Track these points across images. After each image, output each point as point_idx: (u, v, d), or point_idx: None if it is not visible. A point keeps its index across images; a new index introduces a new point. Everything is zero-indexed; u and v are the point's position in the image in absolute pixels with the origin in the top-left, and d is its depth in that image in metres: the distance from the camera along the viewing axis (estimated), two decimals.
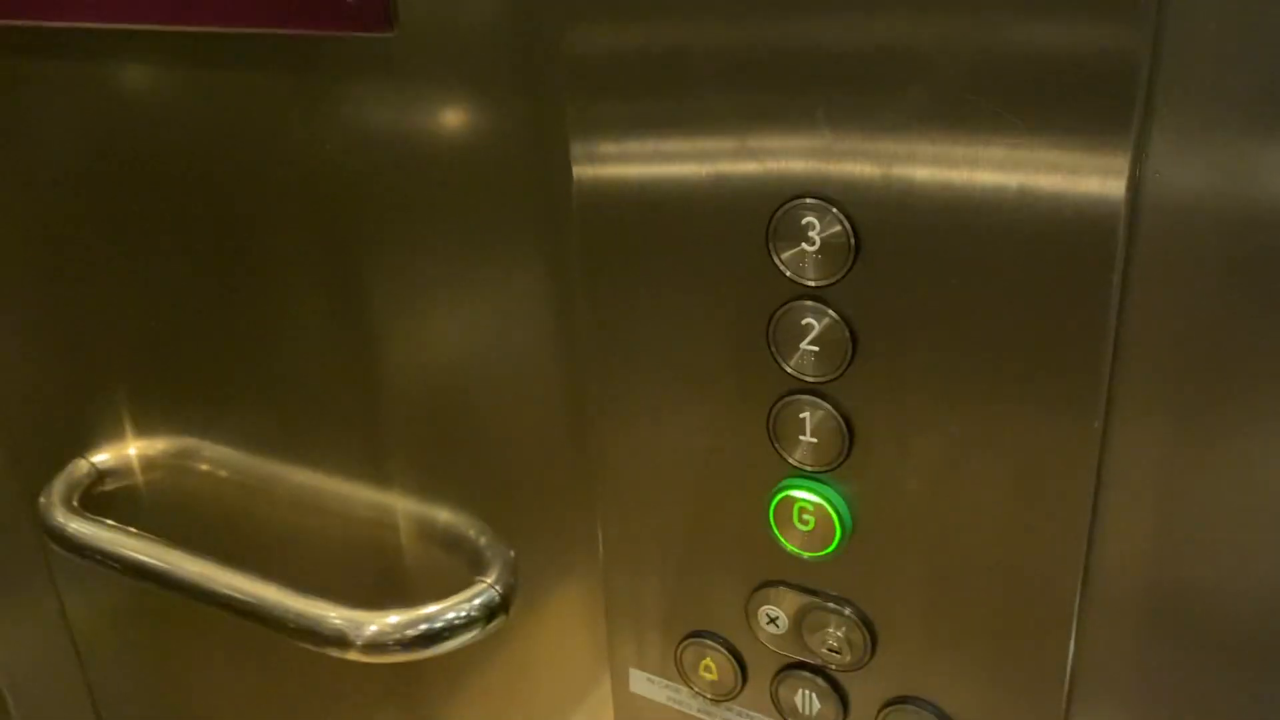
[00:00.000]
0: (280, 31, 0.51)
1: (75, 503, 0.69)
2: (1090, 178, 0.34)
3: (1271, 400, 0.35)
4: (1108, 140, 0.34)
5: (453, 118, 0.50)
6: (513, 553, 0.58)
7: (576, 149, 0.43)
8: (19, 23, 0.59)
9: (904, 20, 0.35)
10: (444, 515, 0.62)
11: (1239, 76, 0.32)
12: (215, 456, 0.70)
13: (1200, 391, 0.36)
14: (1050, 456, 0.38)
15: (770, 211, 0.40)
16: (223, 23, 0.52)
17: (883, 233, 0.38)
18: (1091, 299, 0.36)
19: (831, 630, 0.45)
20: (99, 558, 0.65)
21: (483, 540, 0.60)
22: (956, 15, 0.34)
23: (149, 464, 0.73)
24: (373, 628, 0.58)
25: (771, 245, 0.40)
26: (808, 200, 0.39)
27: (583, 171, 0.44)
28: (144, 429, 0.72)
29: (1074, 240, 0.35)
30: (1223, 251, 0.34)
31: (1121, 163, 0.34)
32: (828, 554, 0.44)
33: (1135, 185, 0.34)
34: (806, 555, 0.44)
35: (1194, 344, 0.36)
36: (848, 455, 0.42)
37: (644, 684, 0.53)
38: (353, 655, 0.58)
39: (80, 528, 0.66)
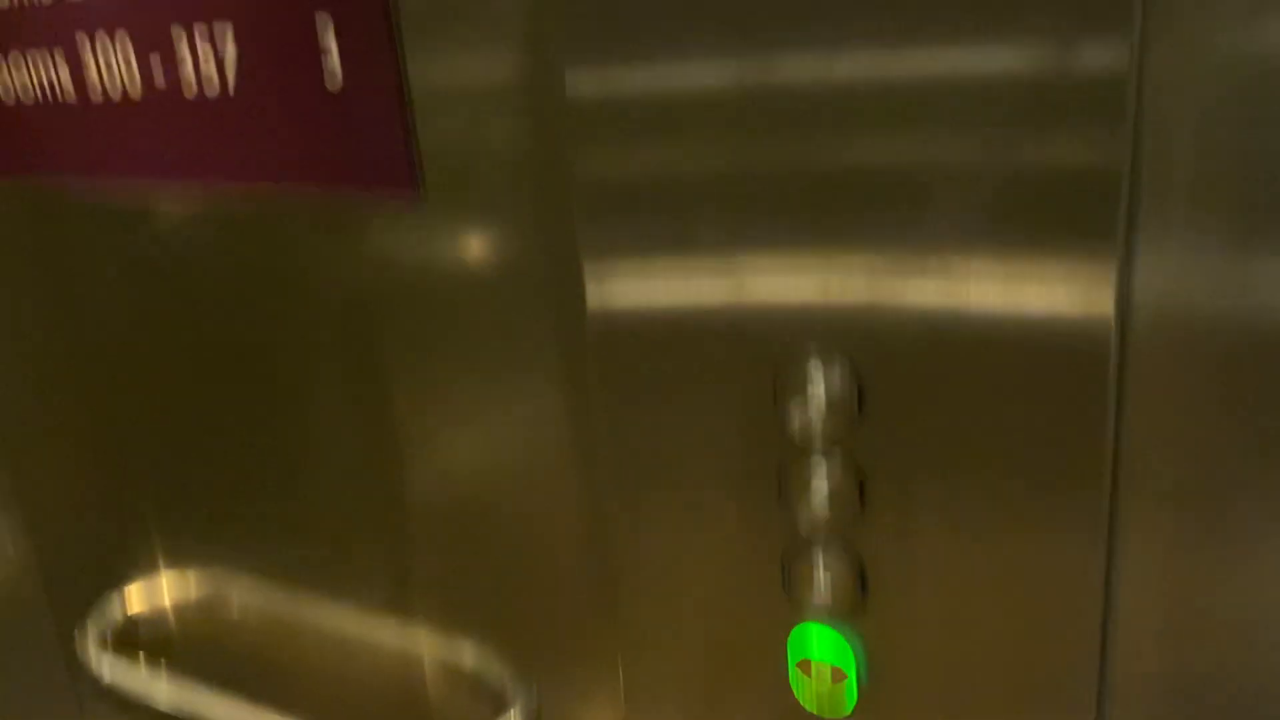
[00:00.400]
0: (314, 191, 0.54)
1: (108, 640, 0.70)
2: (1079, 297, 0.35)
3: (1273, 508, 0.36)
4: (1093, 258, 0.35)
5: (474, 251, 0.52)
6: (536, 690, 0.59)
7: (590, 285, 0.45)
8: (71, 175, 0.62)
9: (892, 151, 0.37)
10: (469, 652, 0.62)
11: (1218, 188, 0.34)
12: (245, 592, 0.71)
13: (1202, 504, 0.37)
14: (1059, 585, 0.39)
15: (773, 360, 0.41)
16: (260, 180, 0.55)
17: (885, 378, 0.40)
18: (1090, 419, 0.37)
19: None
20: (131, 701, 0.66)
21: (506, 677, 0.60)
22: (941, 142, 0.36)
23: (180, 600, 0.74)
24: None
25: (778, 399, 0.42)
26: (811, 355, 0.40)
27: (596, 305, 0.45)
28: (175, 562, 0.73)
29: (1069, 361, 0.36)
30: (1215, 362, 0.35)
31: (1108, 281, 0.35)
32: (844, 709, 0.44)
33: (1124, 302, 0.35)
34: (823, 709, 0.45)
35: (1192, 455, 0.36)
36: (861, 602, 0.43)
37: None
38: None
39: (112, 670, 0.67)
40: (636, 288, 0.44)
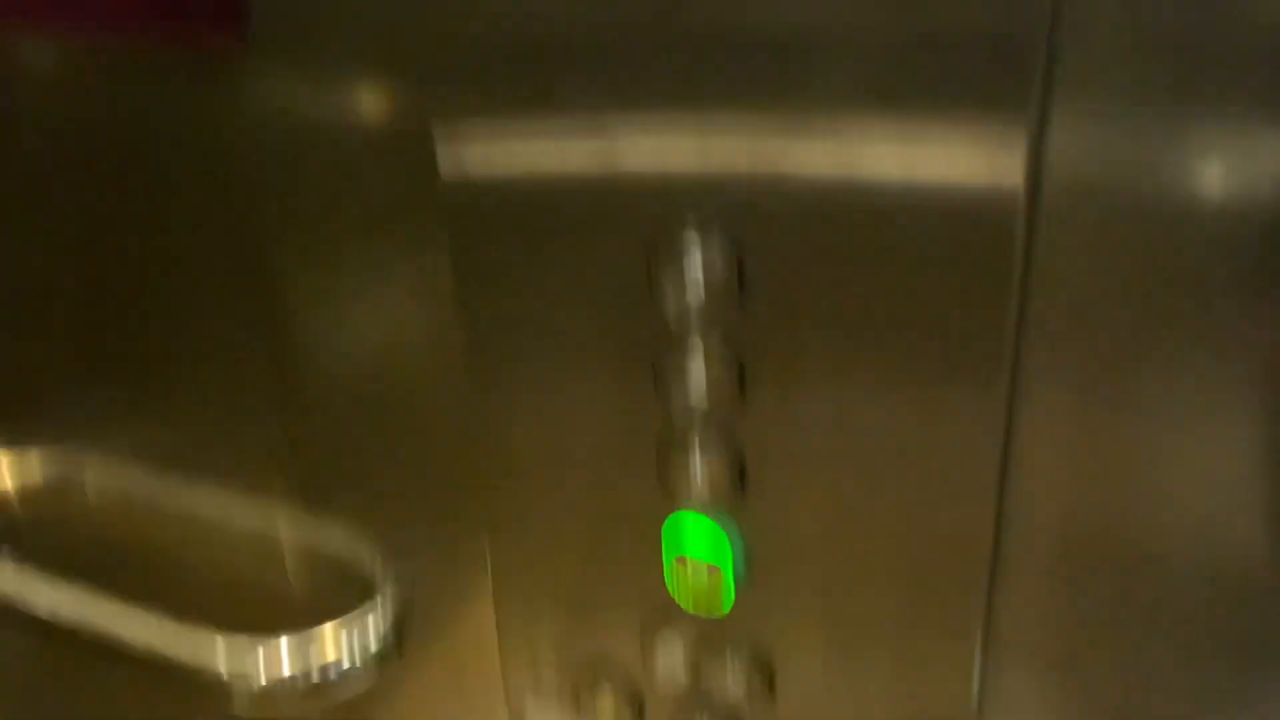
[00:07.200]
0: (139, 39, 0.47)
1: None
2: (986, 166, 0.32)
3: (1180, 374, 0.34)
4: (1005, 125, 0.32)
5: (324, 113, 0.47)
6: (404, 583, 0.56)
7: (442, 150, 0.40)
8: None
9: (782, 5, 0.33)
10: (335, 537, 0.59)
11: (1139, 55, 0.31)
12: (97, 474, 0.66)
13: (1109, 364, 0.35)
14: (952, 474, 0.37)
15: (647, 234, 0.37)
16: (73, 23, 0.48)
17: (769, 253, 0.36)
18: (992, 296, 0.34)
19: (729, 676, 0.44)
20: None
21: (374, 563, 0.57)
22: None
23: (23, 483, 0.69)
24: (260, 665, 0.55)
25: (651, 270, 0.38)
26: (688, 227, 0.36)
27: (449, 171, 0.41)
28: (16, 439, 0.68)
29: (973, 232, 0.33)
30: (1129, 227, 0.33)
31: (1019, 150, 0.32)
32: (722, 604, 0.42)
33: (1035, 170, 0.32)
34: (700, 609, 0.43)
35: (1101, 318, 0.34)
36: (740, 491, 0.40)
37: (540, 718, 0.51)
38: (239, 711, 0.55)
39: None
40: (494, 152, 0.39)
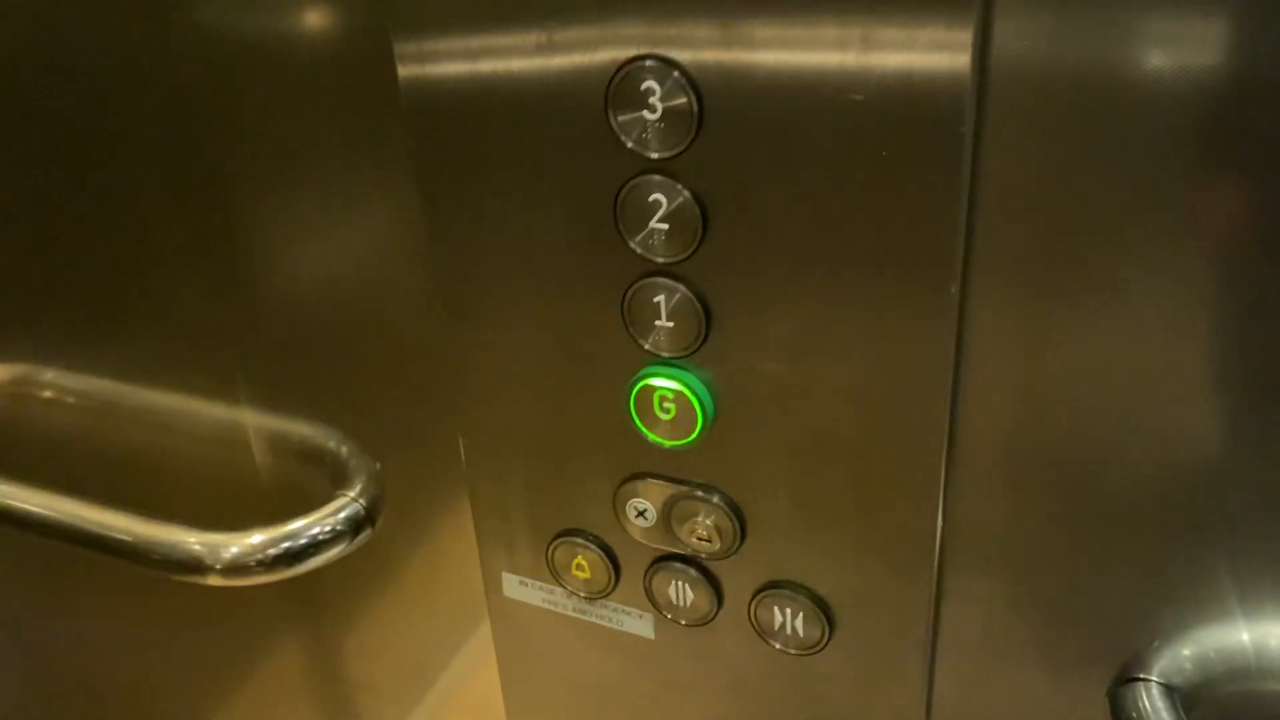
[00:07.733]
0: None
1: None
2: (936, 49, 0.33)
3: (1127, 259, 0.34)
4: (952, 7, 0.32)
5: (280, 22, 0.47)
6: (378, 465, 0.56)
7: (400, 46, 0.40)
8: None
9: None
10: (305, 430, 0.59)
11: None
12: (61, 381, 0.66)
13: (1057, 253, 0.35)
14: (909, 326, 0.37)
15: (608, 76, 0.37)
16: None
17: (727, 100, 0.36)
18: (942, 166, 0.34)
19: (700, 519, 0.44)
20: None
21: (345, 452, 0.57)
22: None
23: None
24: (233, 549, 0.55)
25: (611, 114, 0.37)
26: (647, 62, 0.36)
27: (409, 71, 0.41)
28: None
29: (922, 108, 0.33)
30: (1073, 113, 0.33)
31: (966, 31, 0.32)
32: (691, 442, 0.42)
33: (982, 51, 0.33)
34: (670, 444, 0.43)
35: (1048, 206, 0.34)
36: (705, 338, 0.40)
37: (518, 588, 0.51)
38: (214, 580, 0.55)
39: None
40: (451, 36, 0.39)
